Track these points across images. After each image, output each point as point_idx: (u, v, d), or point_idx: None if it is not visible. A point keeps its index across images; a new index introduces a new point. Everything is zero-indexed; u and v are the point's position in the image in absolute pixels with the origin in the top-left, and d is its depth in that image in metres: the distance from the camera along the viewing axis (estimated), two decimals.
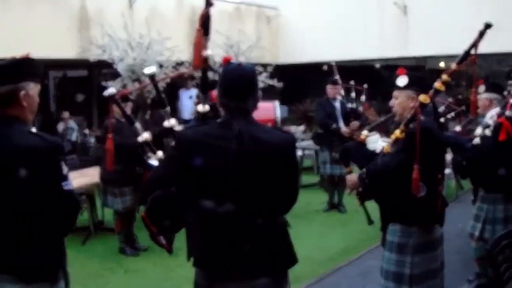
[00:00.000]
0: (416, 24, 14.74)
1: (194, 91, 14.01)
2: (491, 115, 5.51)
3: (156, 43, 11.69)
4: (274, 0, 17.17)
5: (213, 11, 3.46)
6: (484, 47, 4.06)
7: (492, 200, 5.47)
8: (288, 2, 17.10)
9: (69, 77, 16.57)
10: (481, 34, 3.95)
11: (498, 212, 5.45)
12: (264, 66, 13.71)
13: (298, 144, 10.48)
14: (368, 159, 4.17)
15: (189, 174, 3.01)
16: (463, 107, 8.77)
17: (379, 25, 15.35)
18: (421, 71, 18.94)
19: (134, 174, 7.03)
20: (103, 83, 10.95)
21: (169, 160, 3.37)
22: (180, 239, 3.42)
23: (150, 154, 6.84)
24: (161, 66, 11.27)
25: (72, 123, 14.17)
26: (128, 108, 7.12)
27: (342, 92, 9.61)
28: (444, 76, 3.94)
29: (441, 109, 8.65)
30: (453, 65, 4.03)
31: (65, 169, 2.91)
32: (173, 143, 3.38)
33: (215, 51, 3.55)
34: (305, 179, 11.38)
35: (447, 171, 7.35)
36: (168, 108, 4.06)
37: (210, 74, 3.69)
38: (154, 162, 6.72)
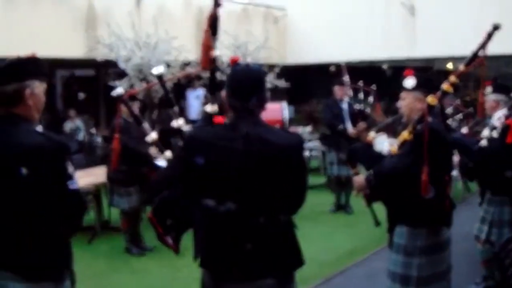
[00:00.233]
0: (424, 24, 14.70)
1: (201, 91, 14.00)
2: (498, 117, 5.48)
3: (163, 43, 11.69)
4: (281, 0, 17.14)
5: (220, 11, 3.46)
6: (492, 49, 4.04)
7: (499, 202, 5.44)
8: (296, 3, 17.07)
9: (76, 76, 16.58)
10: (489, 36, 3.93)
11: (505, 215, 5.43)
12: (272, 66, 13.71)
13: (304, 145, 10.48)
14: (375, 160, 4.16)
15: (196, 175, 3.02)
16: (471, 109, 8.74)
17: (386, 26, 15.31)
18: (429, 72, 18.88)
19: (140, 174, 7.04)
20: (111, 83, 10.96)
21: (177, 161, 3.38)
22: (187, 240, 3.42)
23: (157, 154, 6.87)
24: (168, 66, 11.26)
25: (78, 122, 14.18)
26: (136, 107, 7.13)
27: (351, 93, 9.59)
28: (452, 78, 3.92)
29: (449, 110, 8.61)
30: (461, 67, 4.01)
31: (70, 168, 2.91)
32: (180, 143, 3.38)
33: (222, 52, 3.54)
34: (312, 180, 11.34)
35: (454, 173, 7.33)
36: (176, 108, 4.06)
37: (218, 75, 3.67)
38: (160, 162, 6.73)
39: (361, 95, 10.11)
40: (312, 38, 16.48)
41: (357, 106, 9.58)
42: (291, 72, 15.03)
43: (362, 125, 9.10)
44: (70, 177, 2.89)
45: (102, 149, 12.38)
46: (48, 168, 2.81)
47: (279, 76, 13.99)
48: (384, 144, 4.34)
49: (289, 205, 3.10)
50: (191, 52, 11.73)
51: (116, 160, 5.47)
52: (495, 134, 5.27)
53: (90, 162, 10.25)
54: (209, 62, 3.47)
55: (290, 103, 13.74)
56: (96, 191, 8.34)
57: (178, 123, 3.89)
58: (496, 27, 3.90)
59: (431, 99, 3.86)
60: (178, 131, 3.89)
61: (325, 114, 9.64)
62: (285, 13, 17.48)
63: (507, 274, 4.12)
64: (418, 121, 3.90)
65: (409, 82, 4.13)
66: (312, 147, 12.25)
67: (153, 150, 6.98)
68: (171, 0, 13.91)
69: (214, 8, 3.43)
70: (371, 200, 4.32)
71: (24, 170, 2.74)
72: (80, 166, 9.04)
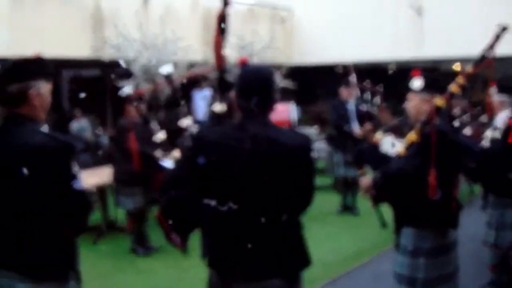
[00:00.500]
0: (431, 25, 14.64)
1: (207, 92, 13.97)
2: (501, 118, 5.45)
3: (170, 43, 11.69)
4: (288, 1, 17.12)
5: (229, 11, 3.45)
6: (500, 50, 4.02)
7: (503, 205, 5.40)
8: (302, 4, 17.05)
9: (83, 76, 16.60)
10: (497, 37, 3.91)
11: (507, 218, 5.38)
12: (278, 67, 13.68)
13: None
14: (382, 161, 4.15)
15: (203, 175, 3.02)
16: (478, 109, 8.71)
17: (393, 27, 15.27)
18: (436, 73, 18.81)
19: (146, 175, 7.04)
20: (117, 83, 10.96)
21: (185, 161, 3.38)
22: (193, 240, 3.41)
23: (163, 155, 6.88)
24: (174, 66, 11.25)
25: (84, 122, 14.19)
26: (143, 107, 7.15)
27: (358, 93, 9.58)
28: (460, 79, 3.90)
29: (456, 111, 8.59)
30: (469, 68, 3.99)
31: (75, 168, 2.90)
32: (187, 143, 3.39)
33: (228, 52, 3.53)
34: (318, 181, 11.32)
35: None
36: (184, 107, 4.05)
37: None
38: (166, 163, 6.74)
39: (367, 96, 10.10)
40: (319, 39, 16.46)
41: (364, 107, 9.57)
42: (297, 73, 15.00)
43: (368, 126, 9.09)
44: (74, 177, 2.89)
45: (108, 149, 12.39)
46: (51, 168, 2.81)
47: (286, 76, 13.97)
48: (391, 145, 4.32)
49: (296, 205, 3.10)
50: (197, 52, 11.72)
51: (137, 160, 5.44)
52: (497, 135, 5.24)
53: (96, 162, 10.26)
54: (222, 62, 3.47)
55: (297, 104, 13.73)
56: (101, 191, 8.35)
57: (187, 122, 3.88)
58: (504, 28, 3.88)
59: (440, 101, 3.84)
60: (186, 130, 3.89)
61: (332, 115, 9.64)
62: (292, 14, 17.45)
63: None
64: (425, 122, 3.88)
65: (417, 83, 4.11)
66: (319, 148, 12.23)
67: (159, 151, 7.00)
68: (178, 1, 13.91)
69: (223, 7, 3.43)
70: (377, 201, 4.31)
71: (25, 170, 2.74)
72: (86, 165, 9.05)
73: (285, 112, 9.95)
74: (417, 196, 3.86)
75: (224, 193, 2.98)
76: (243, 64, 3.18)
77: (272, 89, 3.12)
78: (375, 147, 4.41)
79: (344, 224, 9.08)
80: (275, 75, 3.19)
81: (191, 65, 11.99)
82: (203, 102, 13.92)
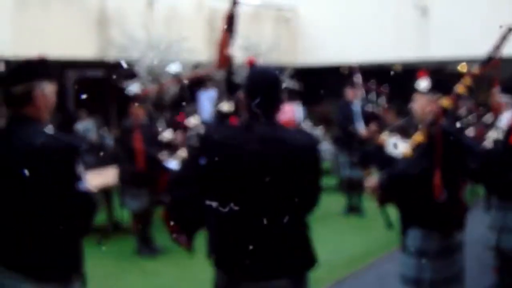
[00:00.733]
0: (436, 26, 14.61)
1: (213, 92, 13.97)
2: (505, 118, 5.43)
3: (175, 44, 11.69)
4: (293, 2, 17.10)
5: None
6: (507, 50, 4.00)
7: (505, 207, 5.36)
8: (307, 5, 17.03)
9: (88, 77, 16.62)
10: (504, 37, 3.89)
11: (510, 220, 5.33)
12: (283, 68, 13.67)
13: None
14: (388, 162, 4.14)
15: (210, 175, 3.02)
16: (483, 109, 8.69)
17: (398, 27, 15.24)
18: (442, 74, 18.79)
19: (151, 175, 7.04)
20: (122, 84, 10.97)
21: (190, 161, 3.39)
22: (198, 240, 3.41)
23: (167, 155, 6.88)
24: None
25: (89, 123, 14.20)
26: (148, 107, 7.16)
27: (363, 94, 9.57)
28: (466, 80, 3.89)
29: (462, 111, 8.58)
30: (476, 69, 3.98)
31: (80, 169, 2.90)
32: (193, 142, 3.39)
33: (236, 53, 3.53)
34: (324, 181, 11.31)
35: None
36: (192, 106, 4.04)
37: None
38: (172, 163, 6.74)
39: (372, 96, 10.09)
40: (324, 40, 16.43)
41: (369, 108, 9.56)
42: (302, 74, 14.99)
43: (373, 126, 9.08)
44: (79, 178, 2.89)
45: (113, 149, 12.39)
46: (55, 169, 2.81)
47: (291, 77, 13.96)
48: (396, 145, 4.31)
49: (303, 206, 3.09)
50: (202, 53, 11.72)
51: (142, 160, 5.43)
52: (500, 135, 5.21)
53: (101, 162, 10.26)
54: (226, 61, 3.46)
55: (302, 104, 13.72)
56: (107, 192, 8.35)
57: (194, 121, 3.88)
58: (510, 29, 3.87)
59: (447, 102, 3.83)
60: (193, 130, 3.88)
61: (337, 116, 9.64)
62: (297, 15, 17.44)
63: None
64: (432, 123, 3.87)
65: (423, 83, 4.10)
66: (324, 148, 12.22)
67: (164, 152, 7.00)
68: (183, 1, 13.91)
69: (232, 7, 3.43)
70: (383, 201, 4.29)
71: (28, 171, 2.73)
72: (91, 166, 9.06)
73: (290, 112, 9.96)
74: (423, 197, 3.85)
75: (225, 194, 2.98)
76: (251, 65, 3.19)
77: (278, 90, 3.12)
78: (381, 148, 4.40)
79: (349, 225, 9.07)
80: (279, 76, 3.19)
81: (196, 66, 11.99)
82: (209, 102, 13.92)
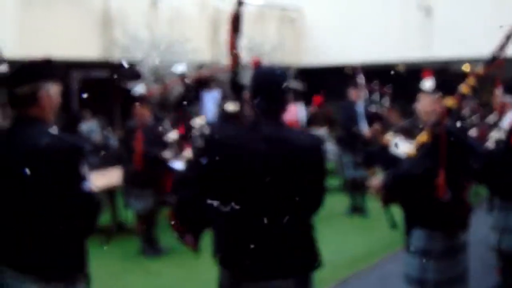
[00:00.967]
0: (440, 26, 14.60)
1: (216, 93, 13.96)
2: (508, 118, 5.42)
3: (178, 44, 11.70)
4: (297, 2, 17.10)
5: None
6: (510, 50, 4.00)
7: (507, 208, 5.35)
8: (311, 5, 17.02)
9: (92, 77, 16.63)
10: (508, 37, 3.89)
11: (511, 221, 5.32)
12: (287, 68, 13.67)
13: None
14: (392, 162, 4.14)
15: (215, 175, 3.02)
16: (486, 109, 8.68)
17: (402, 27, 15.23)
18: (445, 74, 18.75)
19: (155, 176, 7.04)
20: (126, 84, 10.98)
21: (196, 161, 3.39)
22: (203, 241, 3.41)
23: (172, 156, 6.88)
24: None
25: (93, 123, 14.21)
26: (153, 107, 7.16)
27: (366, 94, 9.57)
28: (471, 80, 3.89)
29: (466, 111, 8.57)
30: (480, 69, 3.97)
31: (84, 169, 2.91)
32: (198, 143, 3.39)
33: (242, 53, 3.52)
34: (328, 182, 11.31)
35: None
36: (197, 107, 4.04)
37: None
38: (176, 164, 6.75)
39: (376, 97, 10.09)
40: (328, 40, 16.43)
41: (372, 108, 9.55)
42: (306, 74, 14.99)
43: (376, 126, 9.07)
44: (83, 178, 2.89)
45: (117, 150, 12.40)
46: (58, 169, 2.82)
47: (295, 77, 13.96)
48: (400, 146, 4.31)
49: (307, 206, 3.09)
50: (206, 53, 11.72)
51: (140, 161, 5.43)
52: (503, 136, 5.21)
53: (105, 163, 10.27)
54: (236, 62, 3.47)
55: (305, 105, 13.72)
56: (111, 193, 8.36)
57: (200, 122, 3.88)
58: None
59: (451, 102, 3.82)
60: (198, 130, 3.88)
61: (341, 116, 9.64)
62: (301, 15, 17.43)
63: None
64: (436, 123, 3.87)
65: (427, 84, 4.10)
66: (328, 149, 12.21)
67: (169, 152, 7.01)
68: (187, 2, 13.92)
69: (237, 7, 3.43)
70: (387, 201, 4.29)
71: (31, 171, 2.74)
72: (95, 167, 9.07)
73: (292, 112, 9.97)
74: (427, 197, 3.85)
75: (226, 194, 2.98)
76: (257, 66, 3.19)
77: (284, 90, 3.12)
78: (385, 148, 4.40)
79: (353, 225, 9.07)
80: (284, 77, 3.18)
81: (200, 66, 12.00)
82: (212, 103, 13.93)
